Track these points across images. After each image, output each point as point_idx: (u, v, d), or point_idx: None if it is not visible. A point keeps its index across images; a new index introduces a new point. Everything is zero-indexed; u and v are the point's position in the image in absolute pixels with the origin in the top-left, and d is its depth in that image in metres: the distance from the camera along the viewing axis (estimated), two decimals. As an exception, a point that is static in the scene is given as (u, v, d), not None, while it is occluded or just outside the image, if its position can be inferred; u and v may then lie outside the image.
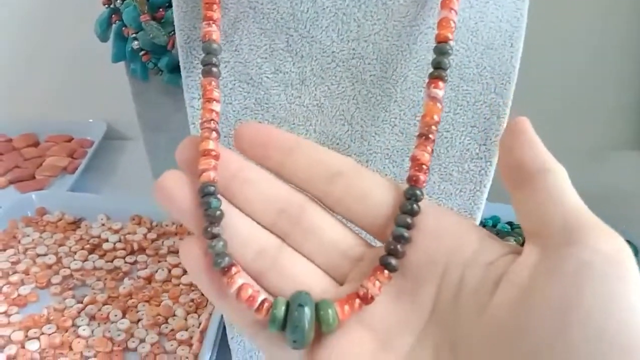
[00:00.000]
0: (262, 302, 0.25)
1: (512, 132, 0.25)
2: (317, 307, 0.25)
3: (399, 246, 0.25)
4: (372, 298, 0.25)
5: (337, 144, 0.35)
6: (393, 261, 0.25)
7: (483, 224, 0.64)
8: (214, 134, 0.26)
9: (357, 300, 0.25)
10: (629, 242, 0.60)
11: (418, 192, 0.26)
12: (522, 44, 0.33)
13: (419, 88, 0.33)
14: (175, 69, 0.55)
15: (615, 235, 0.23)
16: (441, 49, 0.28)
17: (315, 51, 0.32)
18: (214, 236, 0.25)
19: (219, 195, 0.26)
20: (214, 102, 0.27)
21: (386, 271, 0.25)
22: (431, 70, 0.28)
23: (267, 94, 0.33)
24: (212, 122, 0.27)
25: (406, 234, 0.25)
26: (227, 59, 0.33)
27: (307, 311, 0.24)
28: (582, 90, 0.80)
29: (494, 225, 0.64)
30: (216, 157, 0.26)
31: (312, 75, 0.33)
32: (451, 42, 0.28)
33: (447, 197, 0.36)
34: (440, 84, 0.27)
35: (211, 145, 0.26)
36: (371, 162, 0.35)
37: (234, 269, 0.25)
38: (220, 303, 0.26)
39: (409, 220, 0.25)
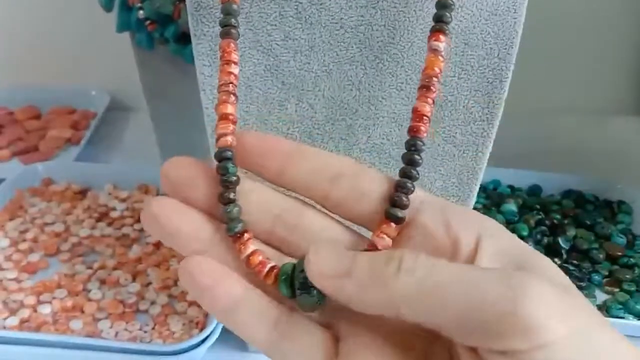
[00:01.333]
0: (271, 268, 0.25)
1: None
2: None
3: (403, 197, 0.25)
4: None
5: (345, 108, 0.36)
6: (399, 213, 0.25)
7: (484, 188, 0.65)
8: (232, 98, 0.26)
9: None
10: (623, 201, 0.62)
11: (419, 142, 0.26)
12: (525, 10, 0.34)
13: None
14: (181, 38, 0.56)
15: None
16: (443, 2, 0.29)
17: (324, 18, 0.33)
18: (230, 201, 0.25)
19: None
20: (233, 64, 0.26)
21: (393, 224, 0.25)
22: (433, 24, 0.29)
23: (277, 60, 0.34)
24: (230, 85, 0.26)
25: (409, 184, 0.25)
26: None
27: (306, 285, 0.24)
28: (583, 55, 0.81)
29: (495, 189, 0.66)
30: (234, 122, 0.26)
31: (321, 41, 0.34)
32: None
33: (450, 159, 0.37)
34: (442, 37, 0.28)
35: (229, 109, 0.26)
36: (378, 125, 0.36)
37: (246, 235, 0.25)
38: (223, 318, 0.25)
39: (412, 171, 0.25)
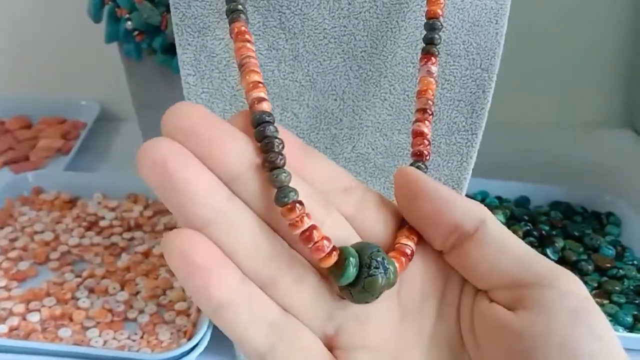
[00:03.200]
0: (333, 248, 0.22)
1: (411, 187, 0.24)
2: (384, 258, 0.23)
3: None
4: (412, 255, 0.24)
5: (330, 118, 0.36)
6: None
7: (472, 199, 0.65)
8: (256, 69, 0.24)
9: (402, 259, 0.24)
10: (611, 213, 0.63)
11: (422, 166, 0.27)
12: (506, 20, 0.35)
13: (407, 64, 0.35)
14: (168, 49, 0.56)
15: (572, 275, 0.24)
16: (432, 25, 0.30)
17: (307, 28, 0.34)
18: (277, 166, 0.22)
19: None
20: (249, 43, 0.25)
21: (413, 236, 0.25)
22: (423, 46, 0.29)
23: (261, 70, 0.35)
24: (252, 58, 0.24)
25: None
26: (221, 36, 0.34)
27: (384, 264, 0.23)
28: (571, 67, 0.82)
29: (483, 200, 0.66)
30: (264, 89, 0.24)
31: (304, 51, 0.34)
32: (441, 19, 0.30)
33: (435, 169, 0.38)
34: (433, 59, 0.29)
35: (256, 77, 0.24)
36: (362, 135, 0.37)
37: (300, 207, 0.22)
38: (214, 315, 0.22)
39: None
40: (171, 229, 0.58)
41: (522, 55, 0.69)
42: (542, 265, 0.24)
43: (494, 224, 0.24)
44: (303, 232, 0.22)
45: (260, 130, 0.22)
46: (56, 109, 0.82)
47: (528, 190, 0.67)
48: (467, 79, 0.36)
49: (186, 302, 0.51)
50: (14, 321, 0.49)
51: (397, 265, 0.23)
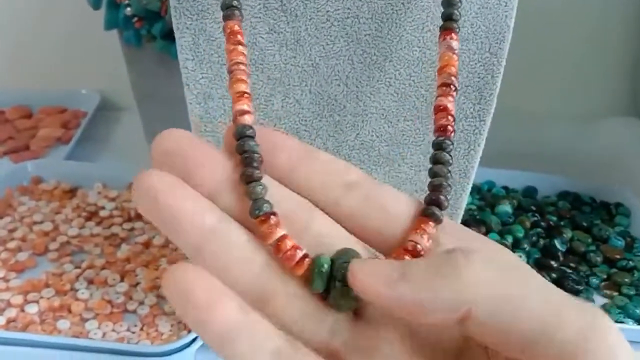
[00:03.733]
0: (303, 257, 0.22)
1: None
2: None
3: (441, 196, 0.23)
4: (422, 253, 0.22)
5: (333, 104, 0.35)
6: (437, 211, 0.23)
7: (479, 189, 0.65)
8: (245, 76, 0.24)
9: (407, 257, 0.22)
10: (620, 203, 0.62)
11: (448, 141, 0.25)
12: (516, 2, 0.33)
13: (413, 47, 0.34)
14: (168, 35, 0.55)
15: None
16: (449, 1, 0.28)
17: (309, 10, 0.32)
18: (254, 179, 0.22)
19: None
20: (240, 45, 0.25)
21: (431, 222, 0.23)
22: (437, 25, 0.28)
23: (262, 54, 0.34)
24: (241, 64, 0.24)
25: (445, 183, 0.24)
26: (220, 18, 0.33)
27: None
28: (578, 56, 0.80)
29: (490, 190, 0.65)
30: (250, 99, 0.24)
31: (306, 35, 0.33)
32: None
33: (441, 157, 0.36)
34: (454, 35, 0.27)
35: (243, 87, 0.24)
36: (367, 122, 0.35)
37: (273, 218, 0.22)
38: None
39: (444, 169, 0.24)
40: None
41: (529, 43, 0.67)
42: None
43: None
44: (274, 242, 0.22)
45: (240, 144, 0.23)
46: (56, 99, 0.81)
47: (535, 180, 0.66)
48: (475, 64, 0.34)
49: (187, 294, 0.50)
50: (12, 313, 0.48)
51: None
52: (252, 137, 0.23)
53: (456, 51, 0.26)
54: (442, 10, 0.28)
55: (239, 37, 0.25)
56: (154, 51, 0.58)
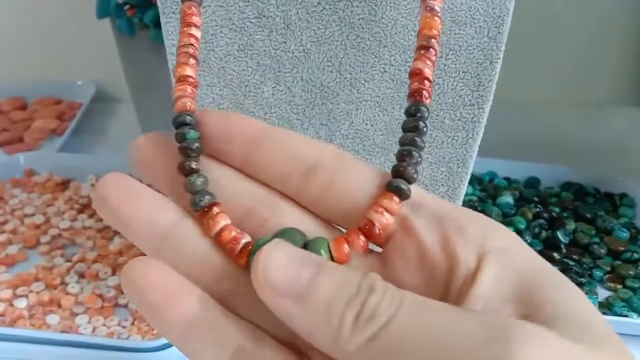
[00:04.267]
0: (246, 245, 0.21)
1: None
2: (307, 246, 0.20)
3: (409, 167, 0.21)
4: (380, 232, 0.20)
5: (325, 92, 0.34)
6: (404, 185, 0.20)
7: (480, 180, 0.63)
8: (192, 60, 0.23)
9: (361, 237, 0.20)
10: (625, 194, 0.60)
11: (423, 107, 0.22)
12: (516, -16, 0.32)
13: (409, 32, 0.32)
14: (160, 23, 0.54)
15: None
16: None
17: (300, -7, 0.31)
18: (192, 171, 0.21)
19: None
20: (193, 27, 0.24)
21: (396, 197, 0.20)
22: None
23: (251, 39, 0.32)
24: (190, 47, 0.23)
25: (415, 152, 0.21)
26: (207, 2, 0.31)
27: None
28: (582, 45, 0.79)
29: (491, 181, 0.64)
30: (194, 85, 0.23)
31: (297, 19, 0.32)
32: None
33: (438, 146, 0.35)
34: None
35: (188, 71, 0.23)
36: (361, 109, 0.34)
37: (215, 209, 0.21)
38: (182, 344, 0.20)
39: (417, 139, 0.21)
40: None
41: (531, 31, 0.66)
42: None
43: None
44: (216, 234, 0.21)
45: (177, 134, 0.22)
46: (52, 90, 0.80)
47: (538, 170, 0.64)
48: (474, 49, 0.33)
49: (179, 288, 0.49)
50: (0, 307, 0.48)
51: (329, 250, 0.20)
52: (189, 125, 0.22)
53: (438, 13, 0.24)
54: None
55: (194, 18, 0.24)
56: (147, 40, 0.57)
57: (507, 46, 0.33)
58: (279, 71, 0.33)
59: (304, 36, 0.32)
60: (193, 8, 0.24)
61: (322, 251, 0.20)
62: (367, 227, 0.20)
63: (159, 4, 0.32)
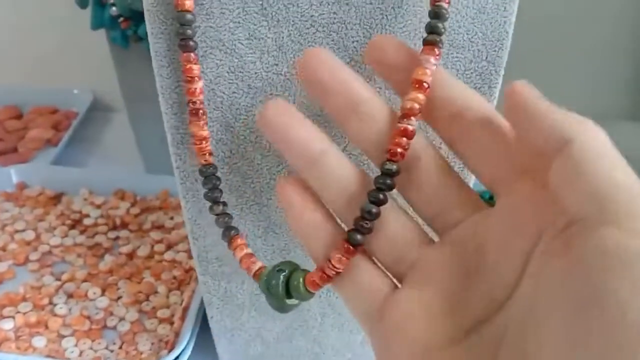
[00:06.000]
0: (258, 270, 0.28)
1: (513, 104, 0.22)
2: (290, 276, 0.27)
3: (364, 222, 0.25)
4: (329, 278, 0.26)
5: (319, 116, 0.33)
6: (359, 236, 0.25)
7: (481, 196, 0.62)
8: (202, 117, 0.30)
9: (325, 275, 0.26)
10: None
11: (394, 167, 0.25)
12: (516, 7, 0.31)
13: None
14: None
15: None
16: (437, 12, 0.26)
17: (292, 15, 0.30)
18: (218, 214, 0.30)
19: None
20: (195, 78, 0.29)
21: (351, 247, 0.25)
22: (423, 35, 0.26)
23: (242, 61, 0.31)
24: (197, 102, 0.30)
25: (374, 210, 0.24)
26: (197, 23, 0.30)
27: (282, 278, 0.27)
28: (581, 59, 0.78)
29: (491, 198, 0.62)
30: (206, 140, 0.30)
31: (289, 41, 0.31)
32: (446, 4, 0.26)
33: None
34: (437, 50, 0.25)
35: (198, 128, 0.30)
36: (354, 134, 0.33)
37: (238, 240, 0.29)
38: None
39: (380, 196, 0.25)
40: (159, 227, 0.55)
41: (531, 45, 0.65)
42: (623, 200, 0.19)
43: (582, 147, 0.20)
44: (239, 259, 0.29)
45: (205, 181, 0.31)
46: (48, 98, 0.79)
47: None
48: (471, 73, 0.32)
49: (169, 310, 0.48)
50: (-14, 329, 0.46)
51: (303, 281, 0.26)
52: (214, 175, 0.31)
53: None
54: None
55: (194, 70, 0.29)
56: (142, 51, 0.56)
57: (507, 62, 0.32)
58: (271, 94, 0.32)
59: (297, 58, 0.31)
60: (192, 56, 0.29)
61: (300, 279, 0.27)
62: (324, 272, 0.26)
63: (147, 25, 0.31)
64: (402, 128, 0.25)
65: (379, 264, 0.26)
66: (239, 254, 0.29)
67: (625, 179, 0.19)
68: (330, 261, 0.25)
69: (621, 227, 0.18)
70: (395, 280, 0.26)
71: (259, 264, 0.29)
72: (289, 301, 0.27)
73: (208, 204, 0.31)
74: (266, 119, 0.26)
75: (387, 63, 0.27)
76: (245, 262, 0.29)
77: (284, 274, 0.27)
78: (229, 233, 0.30)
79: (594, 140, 0.20)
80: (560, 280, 0.19)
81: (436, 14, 0.26)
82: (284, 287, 0.27)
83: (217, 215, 0.30)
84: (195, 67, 0.29)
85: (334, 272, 0.25)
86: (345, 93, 0.26)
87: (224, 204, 0.30)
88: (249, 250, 0.29)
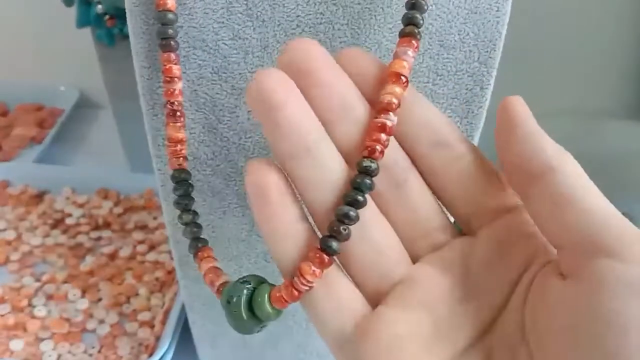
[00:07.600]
0: (221, 285, 0.25)
1: (503, 122, 0.22)
2: (254, 292, 0.23)
3: (341, 227, 0.22)
4: (299, 293, 0.22)
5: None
6: (334, 244, 0.22)
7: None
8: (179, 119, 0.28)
9: (294, 291, 0.22)
10: (624, 213, 0.58)
11: (373, 165, 0.22)
12: (509, 7, 0.30)
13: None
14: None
15: None
16: (414, 2, 0.25)
17: (278, 15, 0.29)
18: (186, 223, 0.27)
19: None
20: (175, 79, 0.27)
21: (325, 256, 0.22)
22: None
23: (225, 62, 0.30)
24: (175, 103, 0.28)
25: (352, 213, 0.22)
26: (180, 23, 0.29)
27: (245, 292, 0.23)
28: (581, 57, 0.77)
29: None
30: (182, 143, 0.28)
31: (275, 41, 0.30)
32: None
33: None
34: (414, 42, 0.24)
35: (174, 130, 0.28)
36: (341, 137, 0.32)
37: (205, 253, 0.26)
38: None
39: (359, 197, 0.22)
40: (142, 227, 0.54)
41: (529, 44, 0.64)
42: (614, 229, 0.20)
43: (566, 177, 0.21)
44: (203, 274, 0.26)
45: (176, 187, 0.28)
46: (34, 95, 0.78)
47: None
48: (463, 74, 0.31)
49: (150, 313, 0.47)
50: (-37, 331, 0.45)
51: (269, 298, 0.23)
52: (186, 181, 0.28)
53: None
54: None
55: (175, 71, 0.28)
56: (128, 50, 0.55)
57: (502, 57, 0.31)
58: (255, 95, 0.31)
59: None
60: (172, 56, 0.27)
61: (265, 296, 0.23)
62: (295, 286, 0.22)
63: (129, 25, 0.30)
64: (379, 124, 0.22)
65: (350, 279, 0.24)
66: (204, 267, 0.26)
67: (609, 207, 0.21)
68: (301, 273, 0.22)
69: (616, 255, 0.19)
70: (365, 297, 0.23)
71: (223, 278, 0.25)
72: (251, 321, 0.23)
73: (177, 212, 0.28)
74: (258, 92, 0.21)
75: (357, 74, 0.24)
76: (208, 277, 0.25)
77: (247, 286, 0.23)
78: (196, 244, 0.27)
79: (577, 170, 0.21)
80: (560, 304, 0.20)
81: (413, 5, 0.25)
82: (247, 304, 0.23)
83: (185, 224, 0.27)
84: (175, 67, 0.28)
85: (307, 287, 0.22)
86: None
87: (195, 212, 0.27)
88: (215, 264, 0.26)
